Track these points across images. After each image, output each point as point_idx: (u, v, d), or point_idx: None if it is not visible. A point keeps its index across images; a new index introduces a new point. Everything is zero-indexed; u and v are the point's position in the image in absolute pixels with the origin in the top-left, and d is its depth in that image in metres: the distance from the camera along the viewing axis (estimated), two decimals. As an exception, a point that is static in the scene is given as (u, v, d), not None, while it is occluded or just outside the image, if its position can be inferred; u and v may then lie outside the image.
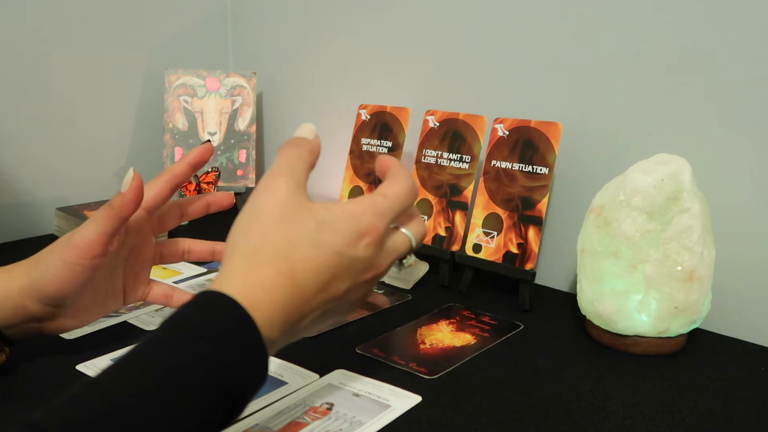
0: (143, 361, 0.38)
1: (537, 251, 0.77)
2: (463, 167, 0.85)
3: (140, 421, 0.35)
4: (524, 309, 0.78)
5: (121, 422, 0.35)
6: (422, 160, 0.89)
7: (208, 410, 0.38)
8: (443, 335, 0.71)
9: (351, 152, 0.98)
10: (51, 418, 0.35)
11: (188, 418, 0.37)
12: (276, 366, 0.62)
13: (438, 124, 0.89)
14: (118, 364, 0.38)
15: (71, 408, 0.36)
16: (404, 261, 0.53)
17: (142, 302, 0.67)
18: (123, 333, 0.70)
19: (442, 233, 0.85)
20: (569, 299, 0.80)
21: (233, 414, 0.40)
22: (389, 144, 0.93)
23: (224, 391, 0.39)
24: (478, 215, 0.82)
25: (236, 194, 1.22)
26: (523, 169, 0.80)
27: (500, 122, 0.82)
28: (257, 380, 0.41)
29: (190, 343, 0.39)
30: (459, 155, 0.86)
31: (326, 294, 0.45)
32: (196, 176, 1.17)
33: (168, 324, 0.40)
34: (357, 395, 0.57)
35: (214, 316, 0.40)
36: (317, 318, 0.46)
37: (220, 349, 0.39)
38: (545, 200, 0.77)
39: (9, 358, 0.58)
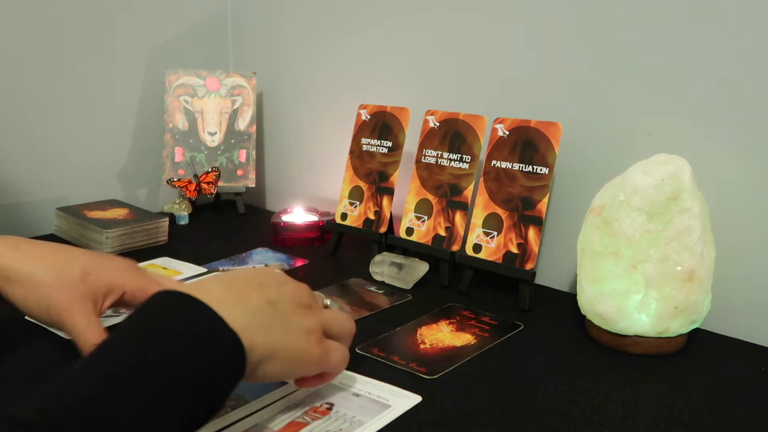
0: (109, 355, 0.41)
1: (537, 251, 0.77)
2: (463, 167, 0.85)
3: (116, 406, 0.37)
4: (524, 309, 0.78)
5: (96, 408, 0.37)
6: (422, 160, 0.89)
7: (184, 394, 0.40)
8: (443, 335, 0.71)
9: (351, 152, 0.98)
10: (27, 408, 0.36)
11: (166, 405, 0.39)
12: None
13: (438, 124, 0.89)
14: (84, 361, 0.41)
15: (47, 398, 0.37)
16: (328, 303, 0.58)
17: None
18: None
19: (442, 233, 0.85)
20: (569, 299, 0.80)
21: (216, 398, 0.43)
22: (389, 144, 0.93)
23: (193, 369, 0.41)
24: (478, 215, 0.82)
25: (236, 194, 1.22)
26: (523, 169, 0.80)
27: (500, 122, 0.82)
28: (223, 353, 0.43)
29: (145, 329, 0.42)
30: (459, 155, 0.86)
31: (260, 289, 0.50)
32: (196, 176, 1.17)
33: (125, 323, 0.43)
34: (357, 395, 0.57)
35: (161, 308, 0.44)
36: (268, 307, 0.49)
37: (175, 330, 0.42)
38: (545, 200, 0.77)
39: None
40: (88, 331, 0.58)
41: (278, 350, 0.48)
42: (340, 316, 0.57)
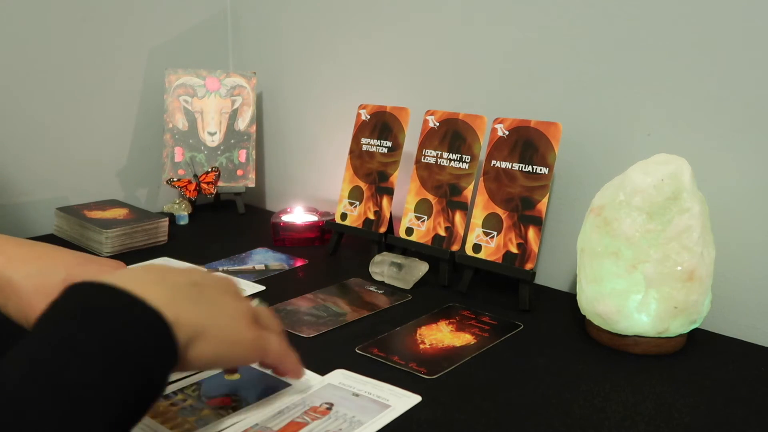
0: (24, 356, 0.39)
1: (537, 251, 0.77)
2: (463, 167, 0.85)
3: (38, 403, 0.36)
4: (524, 309, 0.78)
5: (19, 408, 0.35)
6: (422, 160, 0.89)
7: (110, 382, 0.39)
8: (443, 335, 0.71)
9: (351, 152, 0.98)
10: None
11: (92, 396, 0.38)
12: None
13: (438, 124, 0.89)
14: (11, 357, 0.39)
15: None
16: (256, 303, 0.60)
17: None
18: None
19: (442, 233, 0.85)
20: (569, 299, 0.80)
21: (150, 381, 0.41)
22: (389, 144, 0.93)
23: (114, 352, 0.39)
24: (478, 215, 0.82)
25: (236, 194, 1.22)
26: (523, 169, 0.80)
27: (500, 122, 0.82)
28: (144, 330, 0.42)
29: (56, 324, 0.41)
30: (459, 155, 0.86)
31: (182, 273, 0.49)
32: (196, 176, 1.17)
33: (36, 323, 0.42)
34: (357, 395, 0.57)
35: (72, 299, 0.43)
36: (192, 287, 0.48)
37: (88, 317, 0.41)
38: (545, 200, 0.77)
39: None
40: None
41: (208, 328, 0.46)
42: (268, 312, 0.56)
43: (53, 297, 0.55)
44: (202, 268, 0.53)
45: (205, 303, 0.48)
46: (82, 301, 0.42)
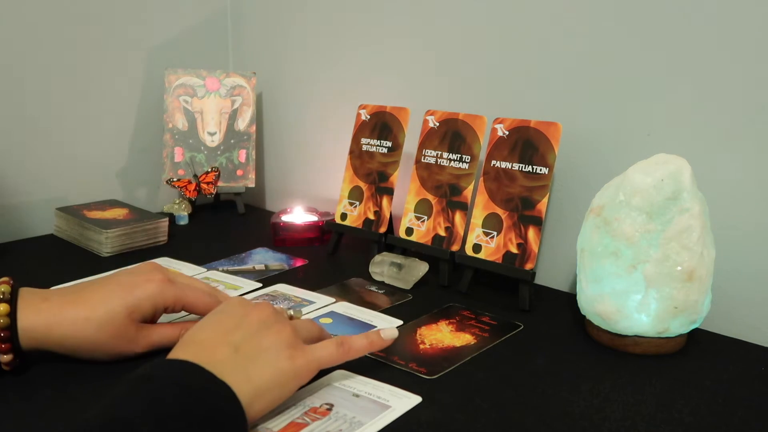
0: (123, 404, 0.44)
1: (537, 251, 0.77)
2: (463, 167, 0.85)
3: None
4: (524, 309, 0.78)
5: None
6: (422, 160, 0.89)
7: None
8: (443, 335, 0.71)
9: (351, 152, 0.98)
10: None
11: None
12: None
13: (438, 124, 0.89)
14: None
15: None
16: (291, 313, 0.65)
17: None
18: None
19: (442, 233, 0.85)
20: (569, 299, 0.80)
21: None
22: (389, 144, 0.93)
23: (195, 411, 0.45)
24: (478, 215, 0.82)
25: (236, 194, 1.22)
26: (523, 169, 0.80)
27: (500, 122, 0.82)
28: (212, 391, 0.47)
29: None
30: (459, 155, 0.86)
31: (225, 336, 0.53)
32: (196, 176, 1.17)
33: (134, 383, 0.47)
34: (357, 395, 0.57)
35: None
36: (236, 355, 0.51)
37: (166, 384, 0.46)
38: (545, 200, 0.77)
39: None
40: (164, 337, 0.63)
41: (261, 386, 0.50)
42: (306, 323, 0.61)
43: (123, 333, 0.61)
44: (236, 301, 0.58)
45: (250, 364, 0.51)
46: (167, 375, 0.47)
